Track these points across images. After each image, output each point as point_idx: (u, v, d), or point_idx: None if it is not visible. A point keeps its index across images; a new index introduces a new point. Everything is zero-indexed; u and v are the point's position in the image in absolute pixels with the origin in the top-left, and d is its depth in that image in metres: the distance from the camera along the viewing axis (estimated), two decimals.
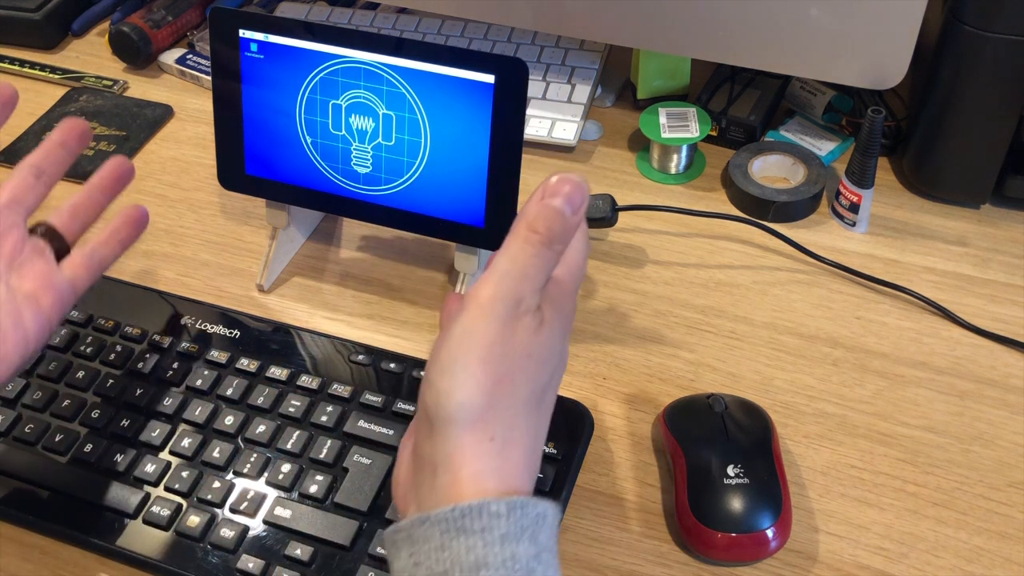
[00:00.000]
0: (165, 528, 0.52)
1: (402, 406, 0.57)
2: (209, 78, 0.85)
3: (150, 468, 0.55)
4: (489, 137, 0.56)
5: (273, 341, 0.62)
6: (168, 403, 0.58)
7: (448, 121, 0.57)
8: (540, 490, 0.53)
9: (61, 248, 0.54)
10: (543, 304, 0.42)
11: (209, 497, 0.53)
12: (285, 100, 0.60)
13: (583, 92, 0.78)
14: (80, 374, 0.60)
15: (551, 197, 0.41)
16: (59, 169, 0.56)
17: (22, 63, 0.89)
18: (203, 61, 0.87)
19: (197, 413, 0.57)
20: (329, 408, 0.57)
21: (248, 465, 0.55)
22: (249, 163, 0.63)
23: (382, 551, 0.50)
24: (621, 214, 0.68)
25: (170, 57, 0.88)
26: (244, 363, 0.60)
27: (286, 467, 0.54)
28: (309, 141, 0.60)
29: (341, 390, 0.58)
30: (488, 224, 0.59)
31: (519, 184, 0.57)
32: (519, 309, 0.40)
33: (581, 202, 0.42)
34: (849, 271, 0.66)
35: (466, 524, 0.37)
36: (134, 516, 0.53)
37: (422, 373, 0.56)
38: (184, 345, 0.61)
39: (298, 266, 0.69)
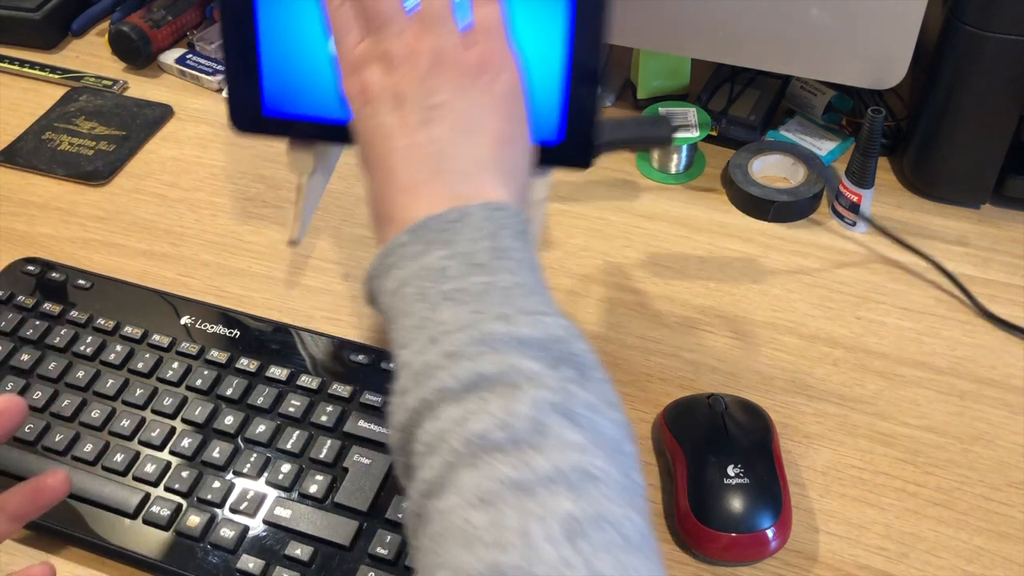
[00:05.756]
0: (165, 528, 0.52)
1: None
2: (209, 78, 0.85)
3: (150, 468, 0.55)
4: (572, 28, 0.46)
5: (273, 341, 0.62)
6: (168, 403, 0.58)
7: (516, 14, 0.46)
8: None
9: None
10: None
11: (209, 497, 0.53)
12: (310, 15, 0.48)
13: None
14: (80, 374, 0.59)
15: None
16: None
17: (22, 63, 0.89)
18: (203, 61, 0.87)
19: (197, 413, 0.57)
20: (329, 408, 0.57)
21: (248, 465, 0.55)
22: (267, 98, 0.51)
23: (382, 551, 0.50)
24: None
25: (170, 57, 0.87)
26: (244, 363, 0.60)
27: (286, 467, 0.54)
28: None
29: (341, 390, 0.58)
30: (569, 136, 0.48)
31: (600, 88, 0.48)
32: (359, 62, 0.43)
33: None
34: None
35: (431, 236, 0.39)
36: (134, 516, 0.53)
37: None
38: (184, 345, 0.61)
39: (299, 266, 0.69)
